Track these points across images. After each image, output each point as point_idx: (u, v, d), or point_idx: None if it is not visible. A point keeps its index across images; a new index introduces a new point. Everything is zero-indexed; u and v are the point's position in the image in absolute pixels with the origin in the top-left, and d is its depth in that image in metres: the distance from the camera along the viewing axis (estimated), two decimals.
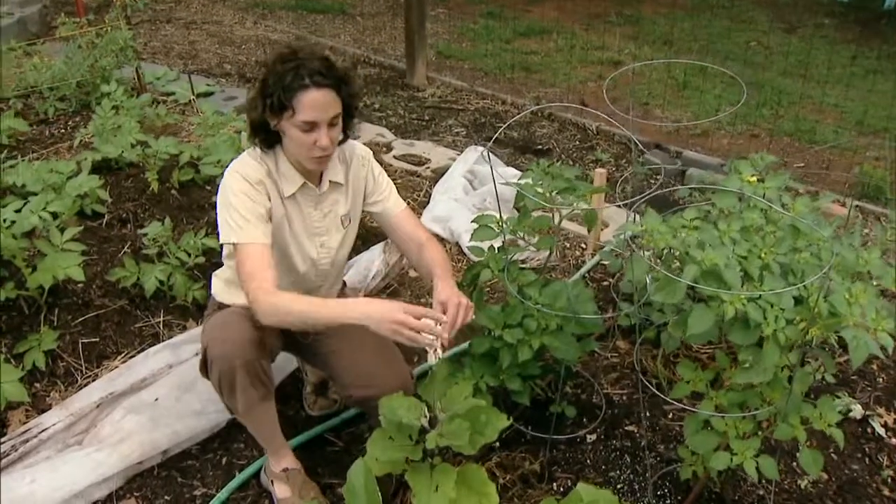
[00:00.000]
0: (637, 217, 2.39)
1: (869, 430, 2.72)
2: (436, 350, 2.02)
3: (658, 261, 2.33)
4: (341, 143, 2.35)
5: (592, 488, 1.97)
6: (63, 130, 4.98)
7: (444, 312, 2.09)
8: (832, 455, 2.61)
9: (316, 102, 2.11)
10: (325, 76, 2.10)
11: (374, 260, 3.47)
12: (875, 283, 2.01)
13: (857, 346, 1.78)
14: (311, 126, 2.14)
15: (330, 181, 2.37)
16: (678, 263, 2.06)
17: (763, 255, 1.97)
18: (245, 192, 2.21)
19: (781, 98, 6.57)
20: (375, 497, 1.80)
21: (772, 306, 1.87)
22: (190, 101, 5.37)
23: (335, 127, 2.19)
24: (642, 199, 2.11)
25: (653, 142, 5.52)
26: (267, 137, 2.26)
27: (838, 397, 2.81)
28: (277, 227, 2.32)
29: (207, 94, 5.74)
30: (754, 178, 2.24)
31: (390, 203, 2.50)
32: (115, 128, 4.00)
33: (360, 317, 2.01)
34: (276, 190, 2.29)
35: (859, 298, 1.82)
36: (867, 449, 2.64)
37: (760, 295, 1.86)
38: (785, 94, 6.67)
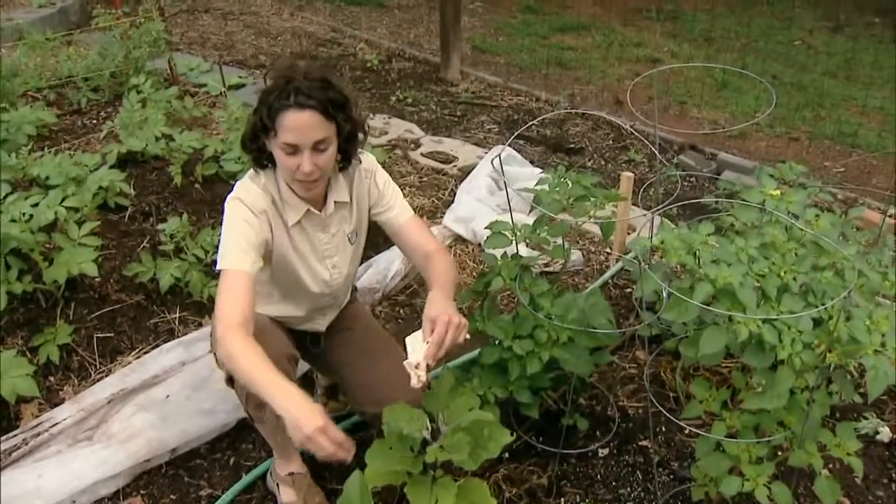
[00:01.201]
0: (662, 222, 2.31)
1: None
2: (419, 373, 1.96)
3: (676, 273, 2.26)
4: (342, 169, 2.26)
5: None
6: (95, 121, 5.02)
7: (433, 330, 2.01)
8: (855, 479, 2.51)
9: (296, 124, 1.99)
10: (311, 97, 1.98)
11: (393, 260, 3.43)
12: None
13: (875, 376, 1.69)
14: (293, 149, 2.03)
15: (335, 202, 2.28)
16: (693, 279, 1.98)
17: (782, 273, 1.89)
18: (245, 220, 2.12)
19: (823, 99, 6.39)
20: None
21: (789, 328, 1.79)
22: (221, 92, 5.38)
23: (322, 153, 2.06)
24: (662, 208, 2.03)
25: (688, 143, 5.40)
26: (259, 157, 2.15)
27: (865, 418, 2.71)
28: (284, 257, 2.25)
29: (239, 87, 5.75)
30: (777, 192, 2.15)
31: (395, 212, 2.38)
32: (141, 120, 4.01)
33: (284, 414, 1.85)
34: (279, 219, 2.21)
35: (880, 326, 1.73)
36: (894, 475, 2.54)
37: (778, 317, 1.78)
38: (827, 95, 6.48)
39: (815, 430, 1.98)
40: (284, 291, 2.37)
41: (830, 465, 2.50)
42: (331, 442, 1.81)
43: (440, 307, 2.06)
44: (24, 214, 2.76)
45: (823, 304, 1.80)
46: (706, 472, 2.07)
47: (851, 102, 6.35)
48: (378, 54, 7.06)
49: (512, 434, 2.00)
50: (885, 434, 2.66)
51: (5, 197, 2.84)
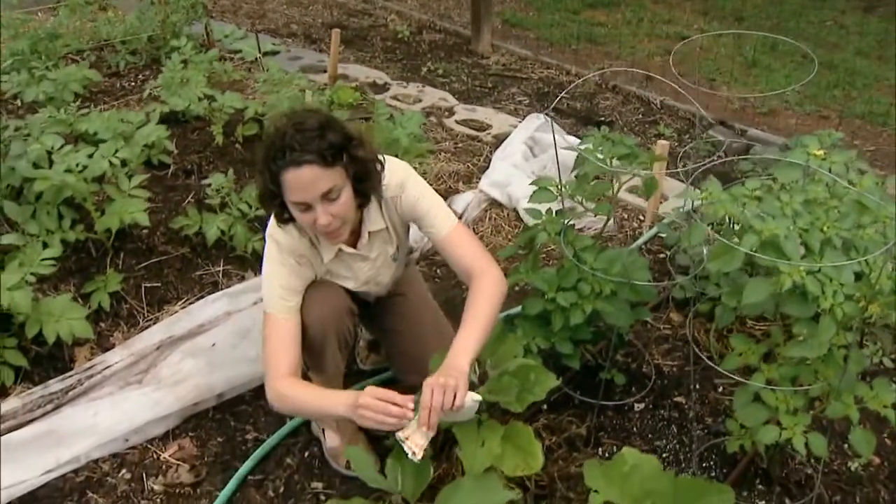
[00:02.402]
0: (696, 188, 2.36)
1: None
2: (411, 446, 1.88)
3: (716, 232, 2.32)
4: (361, 206, 2.17)
5: (637, 452, 1.99)
6: (133, 83, 5.11)
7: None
8: (886, 440, 2.57)
9: (298, 182, 1.94)
10: (306, 150, 1.91)
11: None
12: None
13: None
14: (304, 206, 1.99)
15: (369, 232, 2.26)
16: (736, 238, 2.03)
17: (825, 228, 1.94)
18: (283, 264, 2.16)
19: (855, 79, 6.37)
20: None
21: (831, 280, 1.84)
22: (256, 59, 5.43)
23: (335, 202, 2.00)
24: (703, 167, 2.09)
25: (718, 118, 5.42)
26: (280, 213, 2.11)
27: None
28: (326, 278, 2.29)
29: (273, 54, 5.80)
30: (821, 152, 2.20)
31: (435, 228, 2.25)
32: (183, 81, 4.08)
33: (343, 412, 1.95)
34: (318, 257, 2.23)
35: None
36: None
37: (820, 268, 1.84)
38: (859, 74, 6.46)
39: (851, 382, 2.03)
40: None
41: (862, 424, 2.55)
42: (379, 400, 1.88)
43: (432, 382, 1.91)
44: (77, 165, 2.84)
45: (865, 257, 1.84)
46: (743, 422, 2.12)
47: (884, 82, 6.33)
48: (409, 26, 7.09)
49: (558, 378, 2.07)
50: None
51: (60, 149, 2.92)
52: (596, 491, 1.89)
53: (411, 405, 1.88)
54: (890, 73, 6.48)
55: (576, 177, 2.45)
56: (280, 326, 2.16)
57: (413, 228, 2.42)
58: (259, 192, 2.12)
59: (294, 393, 2.10)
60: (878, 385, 2.05)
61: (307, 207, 1.99)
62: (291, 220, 2.12)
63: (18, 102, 4.32)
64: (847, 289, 1.83)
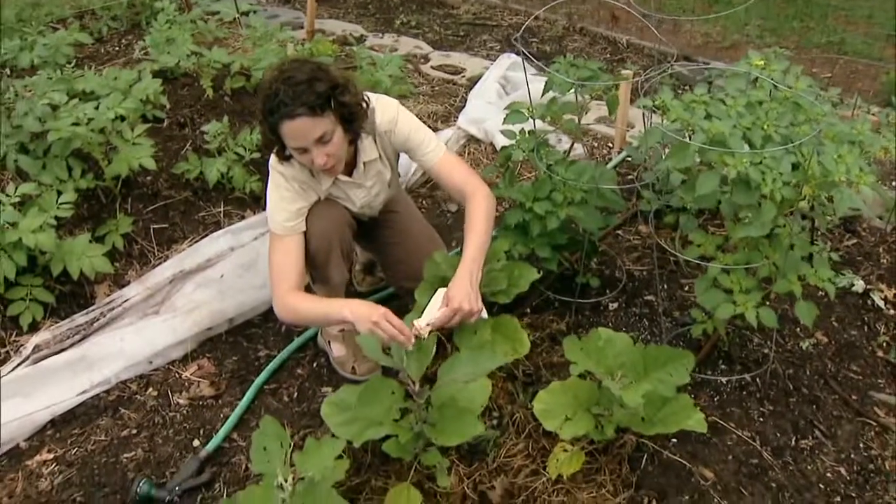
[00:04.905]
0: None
1: (869, 302, 2.96)
2: (421, 332, 2.21)
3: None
4: (352, 142, 2.43)
5: (610, 331, 2.27)
6: (117, 48, 5.26)
7: (447, 305, 2.27)
8: (833, 323, 2.86)
9: (293, 132, 2.21)
10: (297, 103, 2.16)
11: None
12: (866, 152, 2.24)
13: (841, 198, 2.03)
14: (301, 150, 2.26)
15: (364, 162, 2.51)
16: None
17: (765, 126, 2.20)
18: (287, 188, 2.41)
19: (812, 10, 6.63)
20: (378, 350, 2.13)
21: (771, 170, 2.11)
22: (234, 18, 5.60)
23: (329, 143, 2.26)
24: (660, 73, 2.33)
25: (681, 54, 5.66)
26: (281, 152, 2.38)
27: (843, 274, 3.05)
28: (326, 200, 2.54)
29: (251, 13, 5.95)
30: (762, 62, 2.45)
31: (427, 156, 2.56)
32: (169, 41, 4.25)
33: (348, 315, 2.24)
34: (318, 185, 2.48)
35: (846, 158, 2.05)
36: (866, 318, 2.89)
37: (762, 160, 2.10)
38: (815, 5, 6.72)
39: (795, 263, 2.31)
40: None
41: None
42: (393, 326, 2.16)
43: (462, 293, 2.28)
44: (85, 115, 3.05)
45: (798, 143, 2.11)
46: (704, 305, 2.39)
47: (839, 12, 6.59)
48: None
49: (539, 272, 2.34)
50: (859, 286, 3.00)
51: (67, 103, 3.13)
52: (575, 363, 2.17)
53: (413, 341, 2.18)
54: (845, 4, 6.74)
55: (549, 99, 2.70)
56: (286, 245, 2.43)
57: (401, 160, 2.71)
58: (262, 140, 2.41)
59: (303, 303, 2.39)
60: (818, 262, 2.33)
61: (304, 150, 2.27)
62: (291, 157, 2.39)
63: (7, 71, 4.48)
64: (785, 176, 2.10)
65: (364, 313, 2.21)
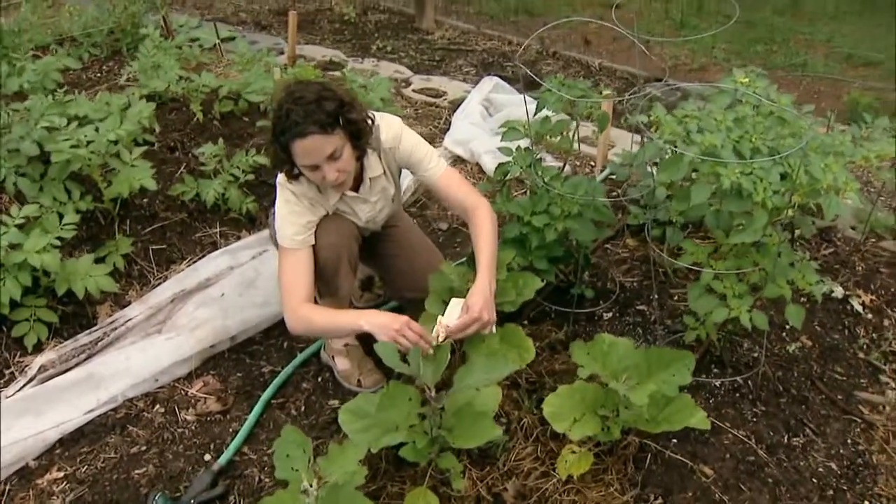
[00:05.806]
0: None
1: (849, 307, 3.10)
2: (440, 334, 2.31)
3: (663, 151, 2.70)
4: (359, 158, 2.48)
5: (612, 336, 2.37)
6: (99, 74, 5.29)
7: (467, 312, 2.34)
8: (816, 327, 2.99)
9: (304, 150, 2.28)
10: (308, 122, 2.23)
11: (405, 176, 3.81)
12: (849, 163, 2.38)
13: (828, 205, 2.16)
14: (312, 167, 2.33)
15: (370, 178, 2.59)
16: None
17: (753, 139, 2.34)
18: (296, 204, 2.49)
19: (774, 34, 6.89)
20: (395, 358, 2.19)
21: (761, 180, 2.24)
22: (215, 45, 5.68)
23: (339, 159, 2.33)
24: (646, 97, 2.46)
25: (652, 76, 5.85)
26: (291, 171, 2.44)
27: (823, 282, 3.19)
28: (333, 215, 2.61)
29: (230, 39, 6.04)
30: (746, 79, 2.60)
31: (428, 172, 2.65)
32: (155, 66, 4.32)
33: (364, 325, 2.33)
34: (325, 200, 2.55)
35: (833, 167, 2.19)
36: (846, 322, 3.02)
37: (752, 171, 2.23)
38: (778, 30, 6.98)
39: (784, 269, 2.44)
40: None
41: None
42: (414, 333, 2.25)
43: (483, 301, 2.36)
44: (85, 137, 3.10)
45: (785, 154, 2.24)
46: (697, 311, 2.51)
47: (799, 36, 6.86)
48: (354, 7, 7.39)
49: (543, 281, 2.44)
50: (839, 292, 3.14)
51: (66, 126, 3.17)
52: (582, 366, 2.27)
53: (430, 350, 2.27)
54: (806, 28, 7.02)
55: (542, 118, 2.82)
56: (296, 258, 2.50)
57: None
58: (271, 160, 2.47)
59: (316, 314, 2.46)
60: (804, 268, 2.46)
61: (315, 168, 2.34)
62: (299, 175, 2.47)
63: None
64: (774, 185, 2.23)
65: (384, 322, 2.29)
